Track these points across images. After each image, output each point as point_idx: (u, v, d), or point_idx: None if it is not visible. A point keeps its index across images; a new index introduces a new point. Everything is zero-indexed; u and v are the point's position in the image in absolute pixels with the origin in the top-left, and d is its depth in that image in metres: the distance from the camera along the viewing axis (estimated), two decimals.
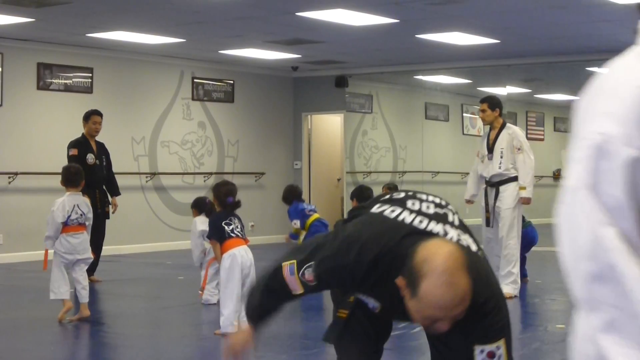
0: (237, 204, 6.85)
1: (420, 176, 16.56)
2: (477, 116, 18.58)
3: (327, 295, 9.45)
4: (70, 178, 7.53)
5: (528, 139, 15.69)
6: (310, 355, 6.07)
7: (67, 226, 7.33)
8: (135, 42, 12.83)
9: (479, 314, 2.71)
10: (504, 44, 13.16)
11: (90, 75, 13.46)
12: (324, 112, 16.74)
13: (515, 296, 8.64)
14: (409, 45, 13.34)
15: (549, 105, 19.68)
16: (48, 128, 12.85)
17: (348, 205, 15.98)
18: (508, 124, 8.90)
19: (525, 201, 8.69)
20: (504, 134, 8.75)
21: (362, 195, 8.26)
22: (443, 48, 13.44)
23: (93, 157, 9.98)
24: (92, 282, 9.77)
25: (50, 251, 7.47)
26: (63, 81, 13.10)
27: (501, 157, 8.65)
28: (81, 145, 9.99)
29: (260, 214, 15.54)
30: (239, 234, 6.74)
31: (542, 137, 19.20)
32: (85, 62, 13.39)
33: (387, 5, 10.26)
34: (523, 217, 10.13)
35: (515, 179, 8.69)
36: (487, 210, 8.76)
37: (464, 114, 18.26)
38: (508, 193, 8.66)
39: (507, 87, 16.04)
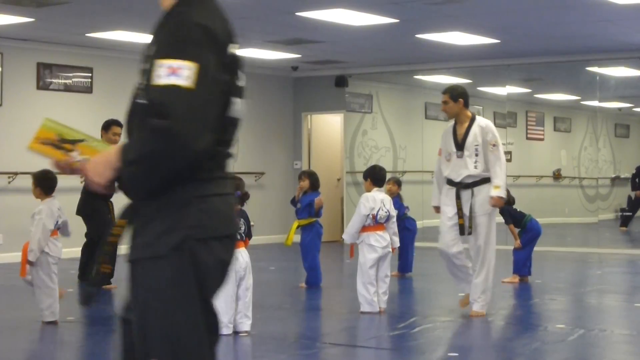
0: (246, 196, 6.84)
1: (420, 176, 16.55)
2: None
3: (326, 295, 9.46)
4: (49, 185, 7.42)
5: (528, 139, 15.53)
6: (310, 355, 6.07)
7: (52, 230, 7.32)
8: (135, 42, 12.82)
9: (165, 25, 2.59)
10: (504, 44, 13.17)
11: (90, 75, 13.46)
12: (324, 112, 16.74)
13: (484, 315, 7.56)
14: (409, 45, 13.35)
15: (549, 105, 19.68)
16: None
17: (348, 205, 15.99)
18: (478, 117, 7.80)
19: (497, 202, 7.55)
20: (475, 128, 7.63)
21: (375, 175, 8.20)
22: (443, 48, 13.45)
23: None
24: (109, 290, 9.66)
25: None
26: (63, 81, 13.11)
27: (476, 156, 7.56)
28: None
29: (260, 214, 15.52)
30: (239, 236, 6.73)
31: (542, 137, 19.19)
32: (85, 62, 13.39)
33: (387, 5, 10.26)
34: (522, 212, 10.13)
35: (488, 179, 7.56)
36: (460, 217, 7.58)
37: None
38: (483, 196, 7.55)
39: (507, 87, 16.04)
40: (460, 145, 7.62)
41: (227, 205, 2.68)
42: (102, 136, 9.97)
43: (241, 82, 2.70)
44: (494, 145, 7.57)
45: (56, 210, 7.30)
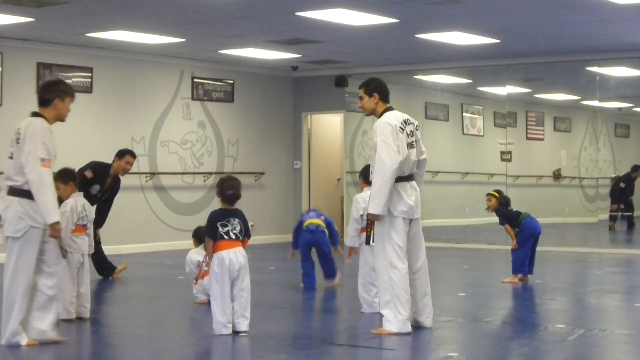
0: (236, 196, 6.77)
1: None
2: (477, 116, 18.66)
3: (326, 296, 9.43)
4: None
5: (528, 139, 15.37)
6: (310, 355, 6.07)
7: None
8: (135, 42, 12.83)
9: None
10: (504, 44, 13.17)
11: (90, 75, 13.47)
12: (324, 112, 16.75)
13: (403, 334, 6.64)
14: (409, 45, 13.35)
15: (549, 105, 19.67)
16: None
17: (348, 205, 15.99)
18: (387, 113, 6.74)
19: (370, 217, 6.61)
20: None
21: (366, 173, 7.93)
22: (443, 48, 13.45)
23: (97, 188, 9.92)
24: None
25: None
26: None
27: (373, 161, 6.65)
28: (101, 176, 9.91)
29: (260, 214, 15.53)
30: (234, 235, 6.67)
31: (542, 137, 19.19)
32: (85, 61, 13.39)
33: (387, 5, 10.26)
34: (518, 211, 10.11)
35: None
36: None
37: (464, 114, 18.26)
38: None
39: (507, 87, 16.04)
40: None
41: None
42: (114, 162, 10.09)
43: None
44: (375, 148, 6.57)
45: (80, 207, 7.41)
